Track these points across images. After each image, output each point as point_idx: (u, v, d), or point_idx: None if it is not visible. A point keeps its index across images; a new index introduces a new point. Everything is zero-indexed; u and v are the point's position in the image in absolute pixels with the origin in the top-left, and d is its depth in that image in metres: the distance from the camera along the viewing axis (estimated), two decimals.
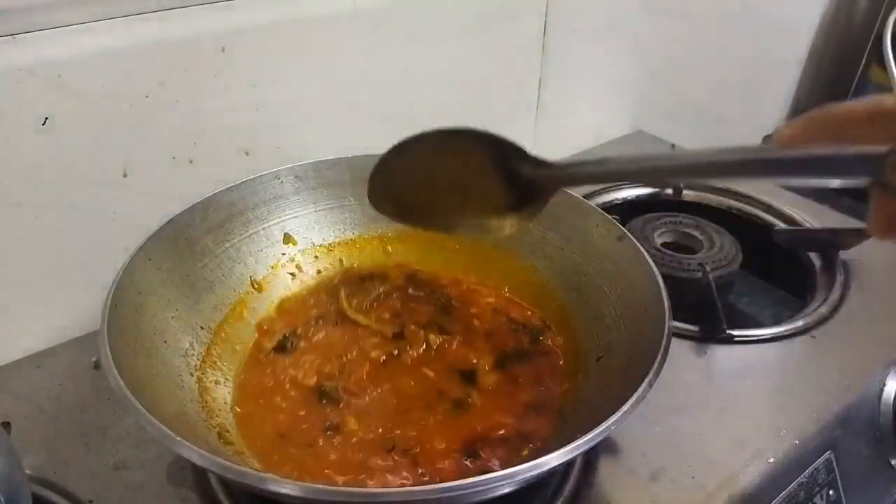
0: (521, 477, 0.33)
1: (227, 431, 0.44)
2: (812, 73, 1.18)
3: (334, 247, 0.60)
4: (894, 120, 0.26)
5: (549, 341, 0.53)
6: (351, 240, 0.60)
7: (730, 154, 0.34)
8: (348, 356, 0.51)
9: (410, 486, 0.41)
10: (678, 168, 0.39)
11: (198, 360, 0.48)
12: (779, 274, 0.71)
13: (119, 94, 0.52)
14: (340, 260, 0.60)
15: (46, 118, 0.49)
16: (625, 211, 0.74)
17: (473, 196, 0.47)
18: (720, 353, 0.57)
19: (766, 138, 1.20)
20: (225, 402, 0.47)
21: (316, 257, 0.59)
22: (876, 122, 0.27)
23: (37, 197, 0.51)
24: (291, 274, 0.57)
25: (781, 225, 0.73)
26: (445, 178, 0.48)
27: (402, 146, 0.47)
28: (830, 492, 0.51)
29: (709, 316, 0.58)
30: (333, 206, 0.59)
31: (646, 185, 0.47)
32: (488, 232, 0.48)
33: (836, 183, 0.31)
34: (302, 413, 0.47)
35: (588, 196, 0.74)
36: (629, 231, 0.51)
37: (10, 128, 0.48)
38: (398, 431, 0.45)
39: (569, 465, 0.46)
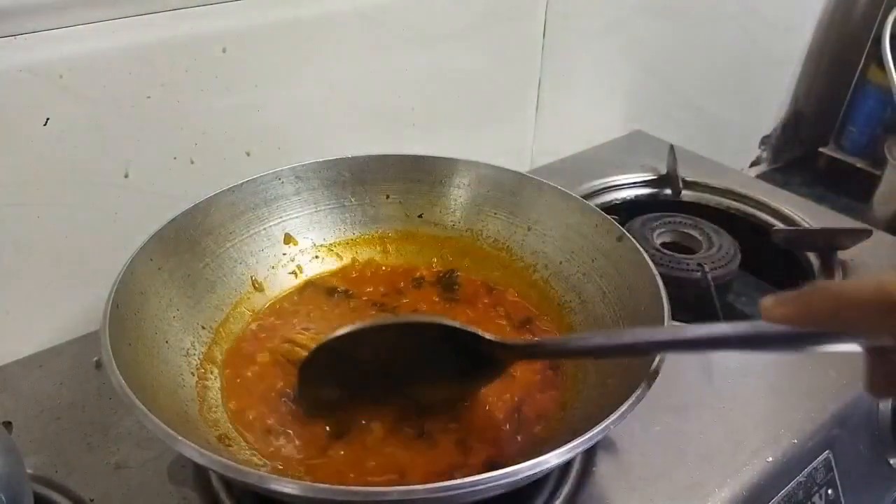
0: (520, 476, 0.33)
1: (228, 430, 0.44)
2: (811, 73, 1.18)
3: (335, 247, 0.60)
4: None
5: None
6: (352, 239, 0.60)
7: (718, 330, 0.34)
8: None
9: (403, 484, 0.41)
10: (648, 344, 0.38)
11: (199, 359, 0.48)
12: (777, 274, 0.72)
13: (120, 95, 0.52)
14: (340, 259, 0.60)
15: (48, 119, 0.49)
16: (624, 211, 0.74)
17: (424, 376, 0.44)
18: (719, 353, 0.57)
19: (765, 138, 1.20)
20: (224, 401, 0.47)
21: (316, 257, 0.59)
22: (886, 315, 0.25)
23: (38, 197, 0.51)
24: (292, 274, 0.58)
25: (780, 225, 0.73)
26: (388, 364, 0.43)
27: (331, 345, 0.41)
28: (829, 491, 0.51)
29: (707, 316, 0.58)
30: (334, 206, 0.59)
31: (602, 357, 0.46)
32: (447, 401, 0.46)
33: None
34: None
35: (588, 196, 0.75)
36: (628, 231, 0.51)
37: (10, 128, 0.48)
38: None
39: (568, 464, 0.46)
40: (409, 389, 0.44)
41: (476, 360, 0.42)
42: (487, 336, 0.41)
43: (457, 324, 0.42)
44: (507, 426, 0.46)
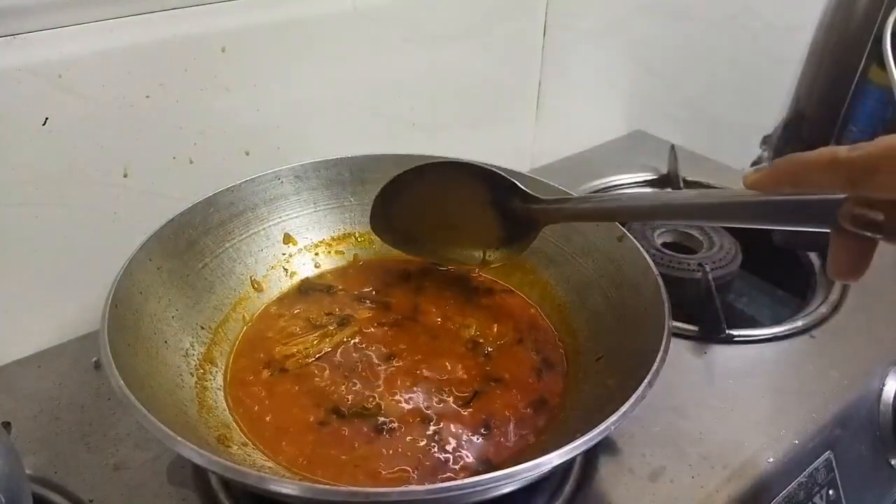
0: (521, 477, 0.33)
1: (228, 431, 0.44)
2: (812, 73, 1.18)
3: (335, 246, 0.60)
4: (848, 169, 0.29)
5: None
6: (351, 239, 0.60)
7: (704, 198, 0.38)
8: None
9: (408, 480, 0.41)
10: (655, 208, 0.43)
11: (198, 359, 0.48)
12: (778, 274, 0.71)
13: (119, 95, 0.52)
14: (340, 259, 0.60)
15: (47, 118, 0.49)
16: None
17: (466, 229, 0.52)
18: (720, 353, 0.57)
19: (766, 138, 1.20)
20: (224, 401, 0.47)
21: (316, 255, 0.59)
22: (834, 173, 0.29)
23: (37, 197, 0.51)
24: (292, 274, 0.57)
25: None
26: (441, 210, 0.52)
27: (403, 177, 0.51)
28: (830, 492, 0.51)
29: (708, 316, 0.58)
30: (333, 205, 0.59)
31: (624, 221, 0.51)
32: (477, 264, 0.53)
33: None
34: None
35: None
36: (629, 231, 0.51)
37: (10, 128, 0.48)
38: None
39: (569, 464, 0.46)
40: (454, 242, 0.52)
41: (511, 224, 0.49)
42: (528, 190, 0.48)
43: (500, 170, 0.49)
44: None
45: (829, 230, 0.32)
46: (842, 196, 0.31)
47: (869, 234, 0.30)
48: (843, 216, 0.30)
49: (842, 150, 0.29)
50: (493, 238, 0.51)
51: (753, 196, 0.34)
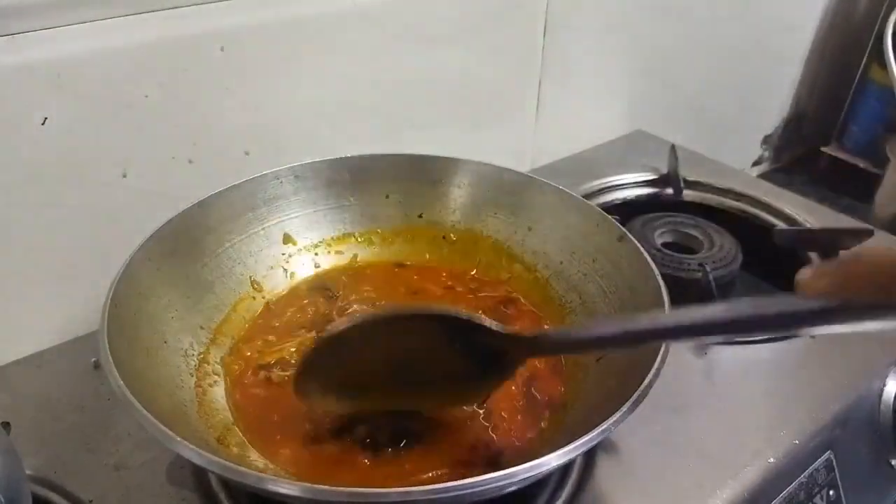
0: (520, 477, 0.33)
1: (227, 431, 0.44)
2: (812, 73, 1.18)
3: (334, 246, 0.60)
4: None
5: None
6: (351, 239, 0.60)
7: (732, 311, 0.31)
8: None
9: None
10: (679, 328, 0.35)
11: (198, 360, 0.48)
12: (779, 274, 0.71)
13: (118, 94, 0.52)
14: (340, 259, 0.60)
15: (45, 118, 0.49)
16: (625, 211, 0.74)
17: (429, 374, 0.42)
18: (720, 353, 0.57)
19: (767, 138, 1.20)
20: (224, 402, 0.47)
21: (316, 255, 0.59)
22: None
23: (36, 197, 0.51)
24: (292, 274, 0.57)
25: (781, 225, 0.73)
26: (393, 360, 0.41)
27: (333, 337, 0.40)
28: (830, 492, 0.51)
29: None
30: (333, 206, 0.59)
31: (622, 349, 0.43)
32: (454, 404, 0.44)
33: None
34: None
35: (588, 196, 0.74)
36: (629, 231, 0.51)
37: (9, 128, 0.48)
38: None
39: (568, 465, 0.46)
40: (413, 391, 0.42)
41: (484, 358, 0.40)
42: (494, 326, 0.39)
43: (462, 313, 0.39)
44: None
45: None
46: None
47: None
48: None
49: None
50: (462, 377, 0.42)
51: (806, 305, 0.29)
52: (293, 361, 0.49)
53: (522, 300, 0.56)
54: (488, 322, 0.39)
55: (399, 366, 0.41)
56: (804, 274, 0.28)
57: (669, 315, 0.41)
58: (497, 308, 0.55)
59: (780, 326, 0.32)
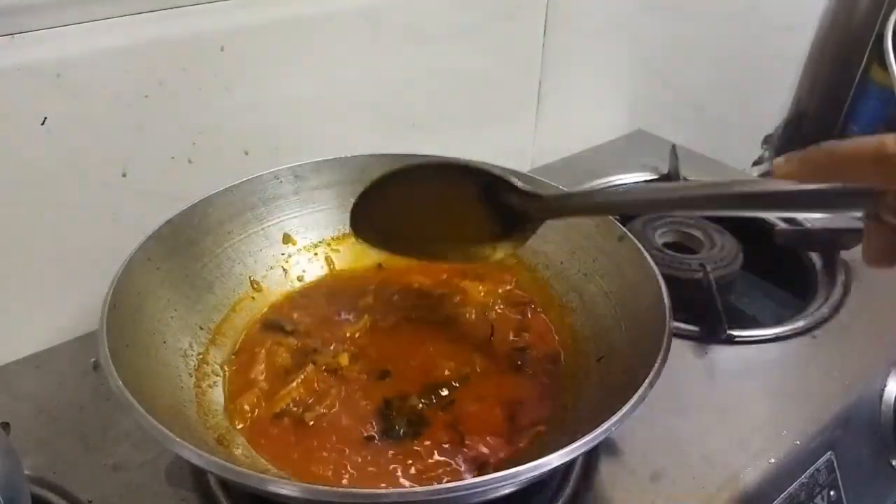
0: (521, 477, 0.33)
1: (227, 432, 0.44)
2: (812, 73, 1.18)
3: (334, 246, 0.60)
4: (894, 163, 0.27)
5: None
6: (352, 239, 0.60)
7: (724, 188, 0.35)
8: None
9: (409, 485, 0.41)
10: (670, 201, 0.39)
11: (197, 360, 0.48)
12: (779, 274, 0.71)
13: (118, 94, 0.52)
14: (341, 259, 0.60)
15: (45, 118, 0.49)
16: None
17: (459, 226, 0.47)
18: (721, 353, 0.57)
19: (767, 137, 1.20)
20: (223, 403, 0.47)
21: (315, 255, 0.59)
22: (880, 165, 0.27)
23: (35, 196, 0.51)
24: (291, 274, 0.57)
25: (782, 225, 0.73)
26: (430, 208, 0.48)
27: (385, 179, 0.47)
28: (831, 492, 0.51)
29: (709, 316, 0.58)
30: (333, 205, 0.59)
31: (638, 215, 0.48)
32: (476, 260, 0.49)
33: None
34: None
35: None
36: (629, 231, 0.51)
37: (9, 128, 0.48)
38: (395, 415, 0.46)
39: (569, 465, 0.46)
40: (446, 242, 0.48)
41: (507, 218, 0.45)
42: (520, 184, 0.44)
43: (494, 168, 0.45)
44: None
45: (863, 216, 0.31)
46: (883, 187, 0.28)
47: None
48: (885, 209, 0.28)
49: (890, 143, 0.27)
50: (488, 233, 0.48)
51: (781, 185, 0.32)
52: (301, 398, 0.47)
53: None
54: (515, 179, 0.44)
55: (435, 214, 0.47)
56: (778, 160, 0.31)
57: (651, 189, 0.48)
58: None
59: (738, 206, 0.36)
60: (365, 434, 0.45)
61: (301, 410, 0.46)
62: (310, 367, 0.48)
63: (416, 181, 0.47)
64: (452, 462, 0.43)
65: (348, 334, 0.52)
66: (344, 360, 0.50)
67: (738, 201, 0.35)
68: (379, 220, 0.49)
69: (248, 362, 0.50)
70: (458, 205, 0.46)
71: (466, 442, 0.44)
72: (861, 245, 0.32)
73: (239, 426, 0.45)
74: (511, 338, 0.53)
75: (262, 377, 0.48)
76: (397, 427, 0.45)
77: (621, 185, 0.80)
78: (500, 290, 0.57)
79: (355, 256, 0.60)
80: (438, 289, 0.57)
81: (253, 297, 0.54)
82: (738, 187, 0.34)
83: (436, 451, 0.43)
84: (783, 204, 0.34)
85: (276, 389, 0.47)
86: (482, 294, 0.56)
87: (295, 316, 0.54)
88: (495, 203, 0.46)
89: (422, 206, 0.48)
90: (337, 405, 0.47)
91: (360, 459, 0.43)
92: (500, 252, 0.48)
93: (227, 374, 0.49)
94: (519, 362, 0.51)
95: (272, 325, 0.53)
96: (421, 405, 0.46)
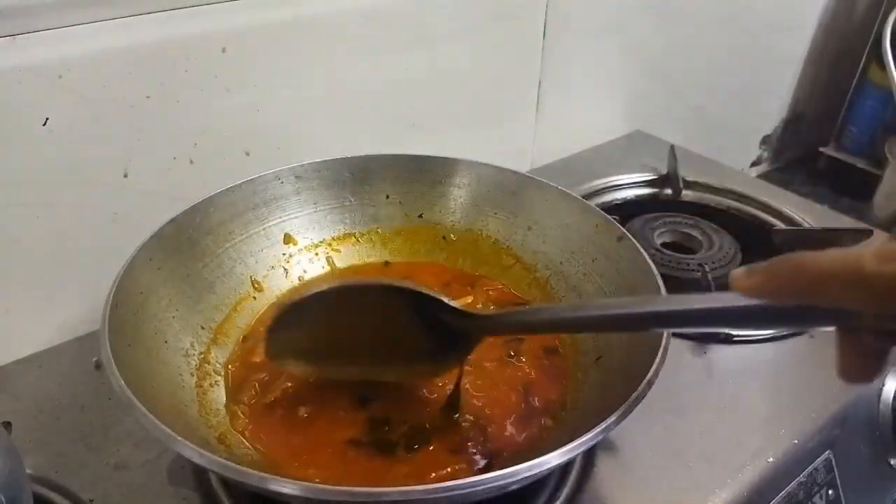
0: (520, 476, 0.33)
1: (228, 431, 0.44)
2: (812, 73, 1.18)
3: (334, 246, 0.60)
4: (881, 287, 0.23)
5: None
6: (352, 239, 0.60)
7: (667, 303, 0.33)
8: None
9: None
10: (606, 320, 0.37)
11: (198, 359, 0.48)
12: None
13: (119, 95, 0.52)
14: (341, 259, 0.60)
15: (47, 118, 0.49)
16: (624, 211, 0.74)
17: (393, 345, 0.44)
18: (719, 353, 0.57)
19: (766, 138, 1.20)
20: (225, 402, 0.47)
21: (316, 255, 0.59)
22: (858, 287, 0.24)
23: (37, 197, 0.51)
24: (292, 274, 0.57)
25: (781, 225, 0.73)
26: (360, 330, 0.44)
27: (305, 302, 0.42)
28: (830, 491, 0.51)
29: None
30: (334, 206, 0.59)
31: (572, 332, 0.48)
32: (414, 378, 0.46)
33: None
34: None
35: (588, 196, 0.75)
36: (628, 231, 0.51)
37: (10, 128, 0.48)
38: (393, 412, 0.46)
39: (568, 464, 0.46)
40: (378, 363, 0.44)
41: (444, 336, 0.42)
42: (453, 304, 0.41)
43: (423, 289, 0.41)
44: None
45: (836, 329, 0.28)
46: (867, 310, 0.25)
47: None
48: (866, 330, 0.26)
49: (868, 262, 0.23)
50: (427, 353, 0.44)
51: (744, 301, 0.28)
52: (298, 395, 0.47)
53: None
54: (447, 298, 0.41)
55: (364, 336, 0.44)
56: (737, 271, 0.28)
57: (600, 304, 0.45)
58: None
59: (703, 323, 0.34)
60: (361, 438, 0.44)
61: (296, 406, 0.46)
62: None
63: (339, 304, 0.42)
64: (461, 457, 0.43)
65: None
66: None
67: (684, 319, 0.32)
68: (302, 342, 0.44)
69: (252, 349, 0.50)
70: (391, 325, 0.43)
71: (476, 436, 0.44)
72: (836, 359, 0.29)
73: (240, 418, 0.45)
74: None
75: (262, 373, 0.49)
76: (393, 441, 0.44)
77: (617, 188, 0.80)
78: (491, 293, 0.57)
79: (356, 257, 0.60)
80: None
81: (254, 297, 0.55)
82: (685, 303, 0.31)
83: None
84: (741, 320, 0.30)
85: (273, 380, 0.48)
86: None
87: None
88: (427, 322, 0.42)
89: (349, 328, 0.44)
90: (333, 405, 0.46)
91: (360, 459, 0.43)
92: (441, 369, 0.45)
93: (228, 372, 0.49)
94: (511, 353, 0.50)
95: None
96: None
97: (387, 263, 0.60)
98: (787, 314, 0.28)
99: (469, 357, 0.44)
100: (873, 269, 0.23)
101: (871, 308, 0.25)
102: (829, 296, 0.25)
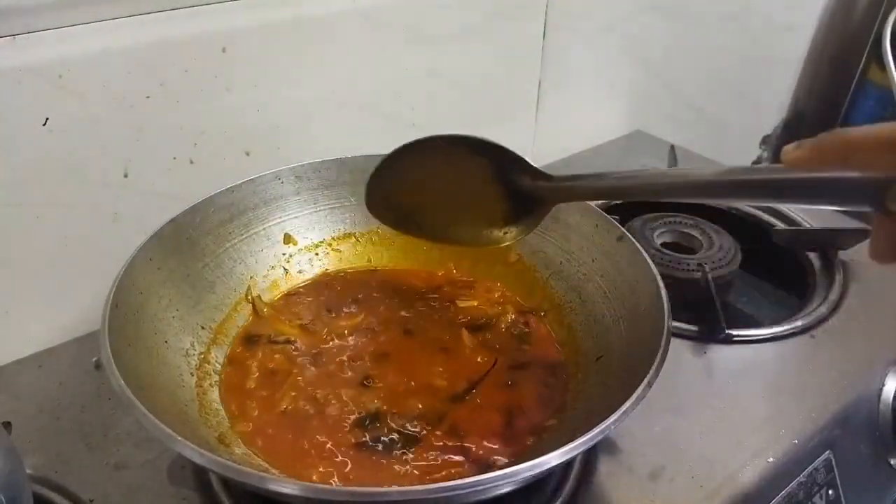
0: (520, 476, 0.33)
1: (228, 431, 0.44)
2: (811, 73, 1.18)
3: (335, 246, 0.60)
4: None
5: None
6: (352, 239, 0.60)
7: (733, 174, 0.34)
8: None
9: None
10: (679, 186, 0.39)
11: (198, 359, 0.48)
12: (778, 274, 0.71)
13: (120, 95, 0.52)
14: (341, 259, 0.60)
15: (47, 118, 0.49)
16: (624, 211, 0.74)
17: (471, 206, 0.47)
18: (719, 352, 0.57)
19: (766, 138, 1.20)
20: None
21: (316, 255, 0.59)
22: (892, 150, 0.26)
23: (37, 197, 0.51)
24: (298, 272, 0.57)
25: (781, 225, 0.73)
26: (443, 186, 0.47)
27: (400, 153, 0.47)
28: (830, 491, 0.51)
29: (708, 316, 0.58)
30: (334, 206, 0.59)
31: (644, 200, 0.47)
32: (486, 243, 0.49)
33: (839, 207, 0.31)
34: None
35: None
36: (629, 231, 0.51)
37: (10, 128, 0.48)
38: (394, 410, 0.46)
39: (568, 464, 0.46)
40: (458, 223, 0.48)
41: (519, 199, 0.45)
42: (532, 164, 0.44)
43: (506, 146, 0.44)
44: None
45: (872, 209, 0.30)
46: (891, 175, 0.28)
47: None
48: (891, 196, 0.28)
49: None
50: (500, 216, 0.47)
51: (791, 172, 0.31)
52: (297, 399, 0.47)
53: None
54: (528, 159, 0.44)
55: (448, 193, 0.47)
56: (788, 147, 0.30)
57: (662, 174, 0.46)
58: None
59: (746, 194, 0.36)
60: (359, 440, 0.44)
61: (298, 407, 0.46)
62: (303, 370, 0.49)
63: (430, 156, 0.46)
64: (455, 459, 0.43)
65: (346, 331, 0.53)
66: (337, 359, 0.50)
67: (747, 188, 0.34)
68: (393, 197, 0.50)
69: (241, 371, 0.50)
70: (471, 183, 0.46)
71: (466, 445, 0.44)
72: (869, 241, 0.31)
73: (239, 429, 0.45)
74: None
75: (254, 383, 0.49)
76: (390, 439, 0.44)
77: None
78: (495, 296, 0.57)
79: (356, 257, 0.60)
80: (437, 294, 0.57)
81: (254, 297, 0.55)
82: (748, 174, 0.33)
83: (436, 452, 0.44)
84: (793, 193, 0.33)
85: (270, 392, 0.48)
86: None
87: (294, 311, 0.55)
88: (507, 184, 0.45)
89: (434, 183, 0.48)
90: (331, 405, 0.47)
91: (361, 459, 0.43)
92: (510, 236, 0.47)
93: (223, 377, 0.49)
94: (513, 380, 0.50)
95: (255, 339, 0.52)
96: (411, 428, 0.45)
97: (374, 271, 0.60)
98: (830, 184, 0.30)
99: (539, 222, 0.46)
100: None
101: None
102: (869, 160, 0.27)
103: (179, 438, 0.34)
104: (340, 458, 0.43)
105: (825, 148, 0.29)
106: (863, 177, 0.29)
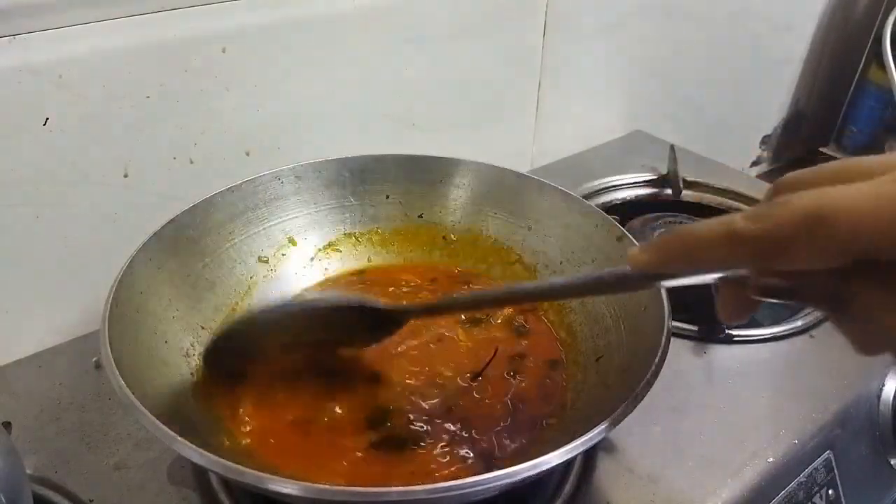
0: (520, 476, 0.33)
1: (228, 431, 0.44)
2: (811, 73, 1.18)
3: (335, 246, 0.60)
4: (753, 245, 0.25)
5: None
6: (352, 239, 0.60)
7: (583, 278, 0.38)
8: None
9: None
10: (520, 295, 0.43)
11: (199, 359, 0.48)
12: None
13: (120, 95, 0.52)
14: (341, 259, 0.60)
15: (47, 118, 0.49)
16: (625, 211, 0.74)
17: (334, 335, 0.48)
18: (719, 352, 0.57)
19: (766, 138, 1.20)
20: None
21: (316, 255, 0.59)
22: (733, 245, 0.26)
23: (37, 197, 0.51)
24: (294, 274, 0.57)
25: None
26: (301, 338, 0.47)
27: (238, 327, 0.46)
28: (830, 491, 0.51)
29: (708, 316, 0.58)
30: (334, 206, 0.59)
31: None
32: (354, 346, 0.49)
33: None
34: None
35: (588, 196, 0.75)
36: (629, 231, 0.51)
37: (10, 128, 0.48)
38: (392, 407, 0.46)
39: (568, 464, 0.46)
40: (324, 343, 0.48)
41: (373, 322, 0.46)
42: (386, 306, 0.46)
43: (363, 300, 0.46)
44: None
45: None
46: (744, 273, 0.29)
47: (778, 301, 0.29)
48: (747, 288, 0.29)
49: (738, 223, 0.25)
50: (356, 336, 0.48)
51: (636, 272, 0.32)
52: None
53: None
54: (382, 304, 0.46)
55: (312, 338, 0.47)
56: (633, 250, 0.31)
57: (512, 287, 0.52)
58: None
59: (614, 289, 0.41)
60: (365, 438, 0.44)
61: (298, 407, 0.46)
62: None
63: (274, 328, 0.46)
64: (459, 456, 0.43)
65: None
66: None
67: (582, 288, 0.38)
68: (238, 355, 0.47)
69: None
70: (331, 325, 0.47)
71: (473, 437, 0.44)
72: (717, 304, 0.32)
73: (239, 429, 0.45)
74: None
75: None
76: (396, 435, 0.44)
77: (616, 188, 0.80)
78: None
79: (356, 257, 0.60)
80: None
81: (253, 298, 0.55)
82: (586, 278, 0.37)
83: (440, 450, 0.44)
84: (647, 280, 0.34)
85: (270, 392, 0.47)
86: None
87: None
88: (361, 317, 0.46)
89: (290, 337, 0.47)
90: (332, 404, 0.47)
91: (366, 457, 0.43)
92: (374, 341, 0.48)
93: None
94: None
95: None
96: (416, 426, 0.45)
97: (373, 269, 0.60)
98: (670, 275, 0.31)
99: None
100: (744, 227, 0.25)
101: (747, 265, 0.28)
102: (710, 259, 0.28)
103: (179, 438, 0.34)
104: (344, 456, 0.43)
105: (668, 249, 0.29)
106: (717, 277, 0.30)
